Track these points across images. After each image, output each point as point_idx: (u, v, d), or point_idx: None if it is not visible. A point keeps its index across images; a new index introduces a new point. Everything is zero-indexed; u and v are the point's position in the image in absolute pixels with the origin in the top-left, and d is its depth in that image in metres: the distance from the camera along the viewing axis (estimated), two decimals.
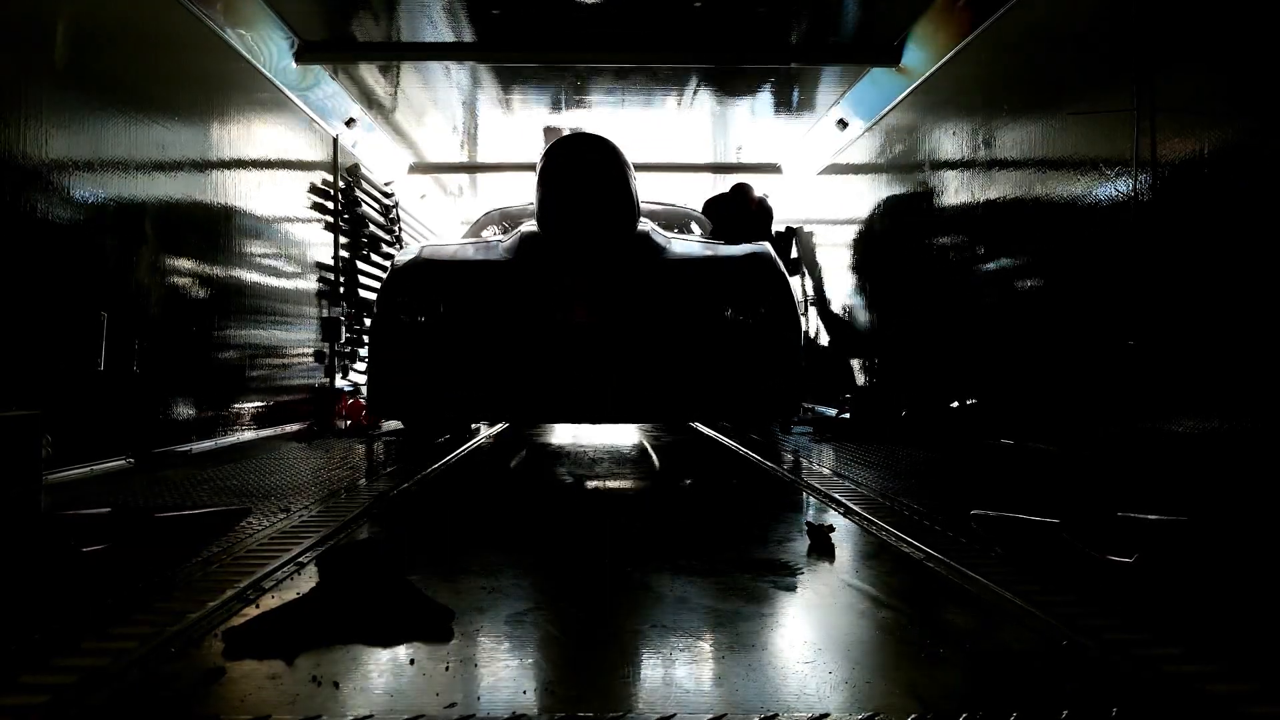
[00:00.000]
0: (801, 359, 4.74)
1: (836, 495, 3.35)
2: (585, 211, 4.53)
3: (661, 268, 4.75)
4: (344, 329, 7.34)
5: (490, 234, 6.40)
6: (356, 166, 7.85)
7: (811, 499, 3.42)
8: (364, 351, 7.22)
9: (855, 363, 7.53)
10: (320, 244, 7.10)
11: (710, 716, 1.33)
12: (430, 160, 9.68)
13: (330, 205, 7.31)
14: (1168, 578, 2.03)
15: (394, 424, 6.44)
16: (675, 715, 1.34)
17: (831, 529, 2.57)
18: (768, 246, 5.09)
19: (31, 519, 2.77)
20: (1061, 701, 1.38)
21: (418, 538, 2.74)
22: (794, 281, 6.73)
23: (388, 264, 6.03)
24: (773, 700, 1.41)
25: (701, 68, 6.84)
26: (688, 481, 3.69)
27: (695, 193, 9.30)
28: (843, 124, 7.59)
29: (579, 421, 4.85)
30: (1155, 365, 3.43)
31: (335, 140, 7.33)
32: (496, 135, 8.78)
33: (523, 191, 10.15)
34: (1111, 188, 3.71)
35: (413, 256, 4.98)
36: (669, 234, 5.42)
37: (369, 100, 7.54)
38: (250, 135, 5.65)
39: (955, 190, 5.40)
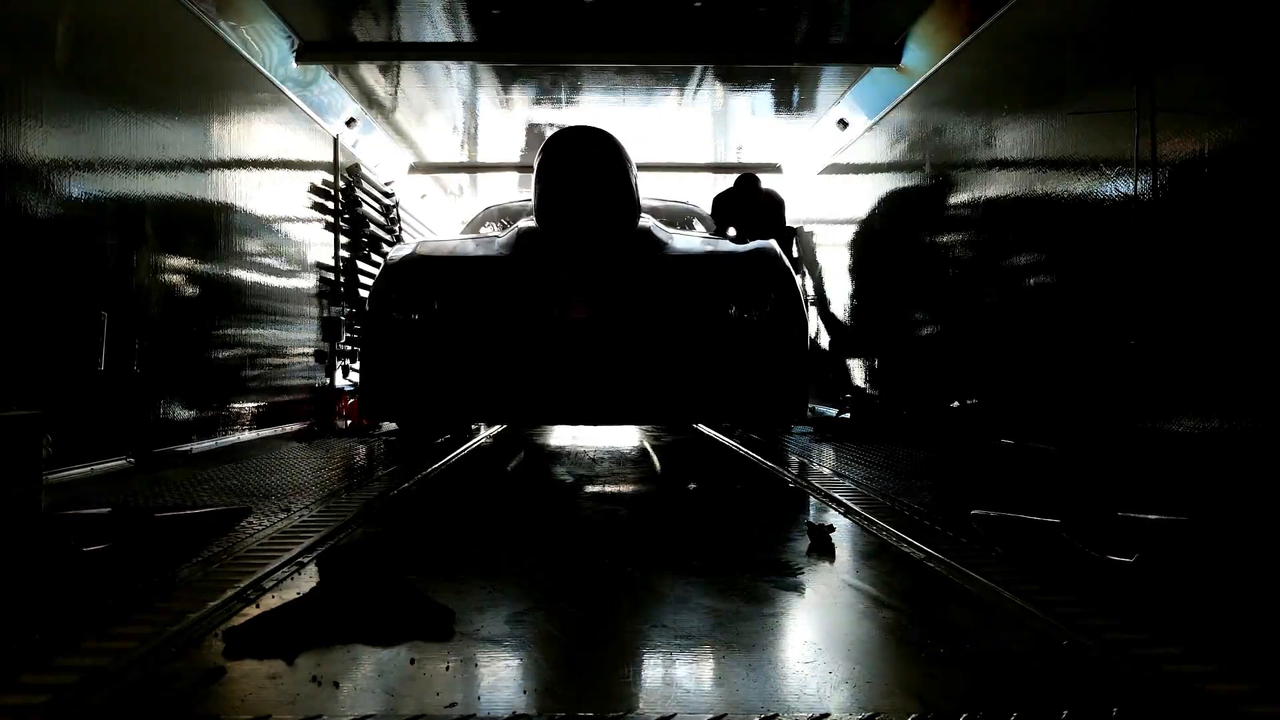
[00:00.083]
0: (807, 359, 4.64)
1: (837, 495, 3.35)
2: (584, 206, 4.41)
3: (663, 264, 4.63)
4: (344, 329, 7.34)
5: (488, 231, 6.22)
6: (357, 166, 7.85)
7: (812, 499, 3.42)
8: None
9: (855, 363, 7.53)
10: (320, 244, 7.10)
11: (710, 716, 1.33)
12: (430, 160, 9.68)
13: (330, 205, 7.31)
14: (1168, 578, 2.03)
15: (394, 424, 6.42)
16: (675, 715, 1.34)
17: (832, 529, 2.57)
18: (773, 243, 4.97)
19: (31, 519, 2.77)
20: (1062, 701, 1.38)
21: (418, 538, 2.74)
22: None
23: None
24: (773, 700, 1.41)
25: (702, 67, 6.84)
26: (692, 486, 3.64)
27: (695, 192, 9.30)
28: (843, 124, 7.59)
29: (577, 423, 4.78)
30: (1156, 365, 3.43)
31: (335, 140, 7.33)
32: (497, 135, 8.78)
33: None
34: (1112, 187, 3.71)
35: (406, 253, 4.87)
36: (670, 230, 5.29)
37: (369, 100, 7.54)
38: (250, 135, 5.65)
39: (956, 190, 5.40)
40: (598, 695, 1.42)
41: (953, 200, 5.45)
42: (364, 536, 2.67)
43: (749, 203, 7.21)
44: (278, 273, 6.16)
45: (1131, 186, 3.56)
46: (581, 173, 4.25)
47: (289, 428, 6.13)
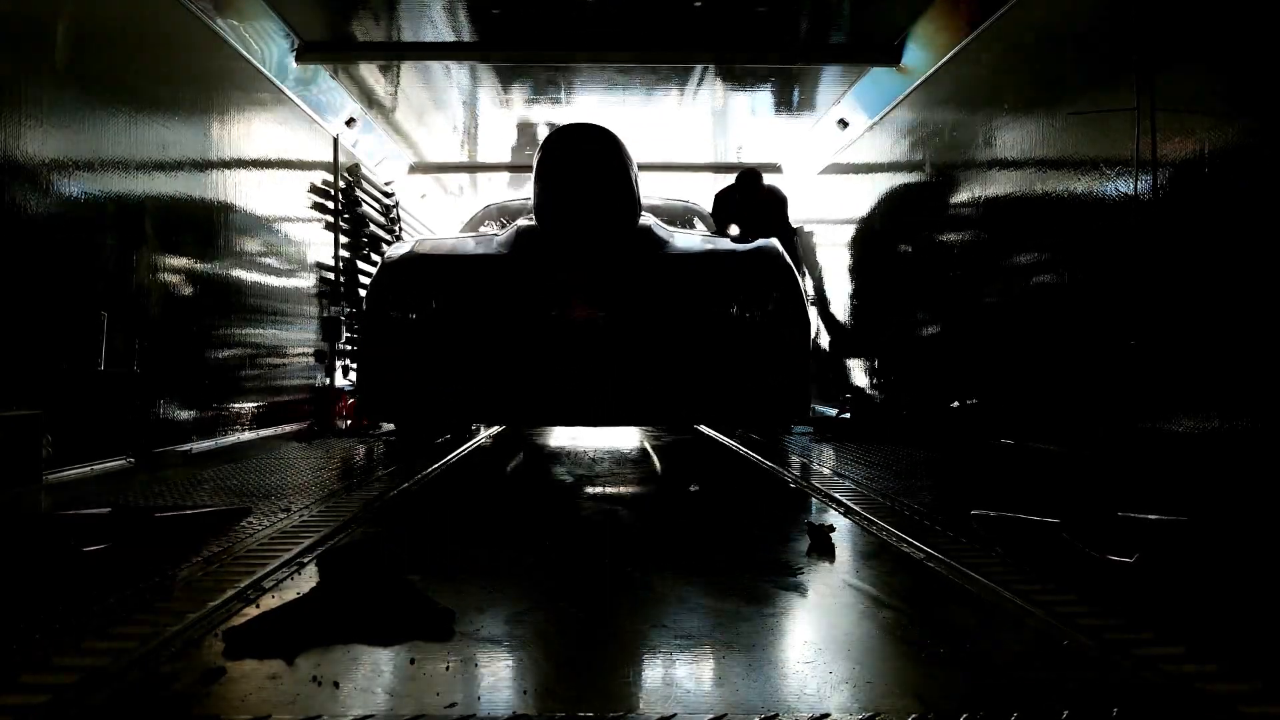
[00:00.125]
0: (810, 360, 4.58)
1: (837, 495, 3.34)
2: (584, 204, 4.34)
3: (663, 263, 4.56)
4: (344, 329, 7.34)
5: (488, 229, 6.12)
6: (357, 166, 7.85)
7: (812, 499, 3.42)
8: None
9: (855, 363, 7.53)
10: (320, 243, 7.10)
11: (710, 716, 1.33)
12: (430, 160, 9.68)
13: (330, 205, 7.31)
14: (1168, 578, 2.03)
15: (392, 424, 6.39)
16: (676, 715, 1.34)
17: (832, 529, 2.57)
18: (775, 242, 4.89)
19: (31, 519, 2.77)
20: (1062, 701, 1.37)
21: (418, 538, 2.74)
22: None
23: None
24: (773, 700, 1.41)
25: (702, 67, 6.84)
26: (694, 488, 3.61)
27: (696, 193, 9.30)
28: (843, 123, 7.59)
29: (576, 424, 4.74)
30: (1156, 365, 3.42)
31: (335, 140, 7.34)
32: (497, 135, 8.78)
33: (511, 189, 10.16)
34: (1112, 187, 3.71)
35: (404, 251, 4.81)
36: (671, 229, 5.22)
37: (369, 100, 7.54)
38: (250, 135, 5.65)
39: (956, 190, 5.40)
40: (598, 695, 1.42)
41: (953, 200, 5.45)
42: (364, 536, 2.67)
43: (751, 199, 7.00)
44: (277, 272, 6.16)
45: (1132, 186, 3.55)
46: (581, 170, 4.19)
47: (289, 428, 6.13)
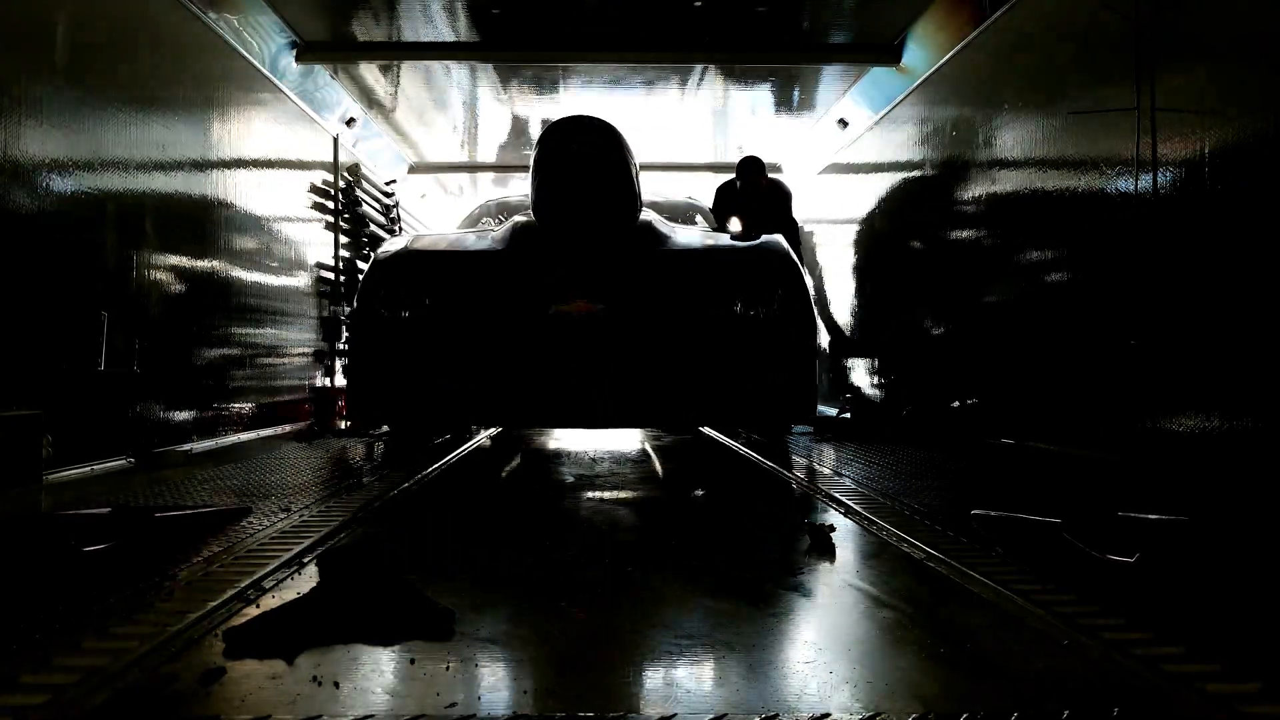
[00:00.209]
0: (816, 360, 4.48)
1: (837, 495, 3.34)
2: (582, 198, 4.21)
3: (665, 260, 4.44)
4: (344, 328, 7.33)
5: (486, 226, 6.04)
6: (357, 166, 7.85)
7: (812, 498, 3.42)
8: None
9: (855, 362, 7.53)
10: (320, 243, 7.10)
11: (711, 716, 1.33)
12: (430, 160, 9.68)
13: (330, 205, 7.31)
14: (1168, 578, 2.03)
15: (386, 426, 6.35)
16: (676, 715, 1.34)
17: (832, 528, 2.57)
18: (780, 238, 4.79)
19: (31, 519, 2.77)
20: (1062, 701, 1.37)
21: (418, 538, 2.74)
22: None
23: None
24: (773, 700, 1.41)
25: (701, 67, 6.83)
26: (698, 492, 3.56)
27: (696, 192, 9.30)
28: (843, 123, 7.59)
29: (573, 425, 4.67)
30: (1156, 365, 3.42)
31: (335, 140, 7.33)
32: (497, 134, 8.78)
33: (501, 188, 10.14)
34: (1113, 187, 3.71)
35: (397, 248, 4.70)
36: (673, 225, 5.09)
37: (369, 100, 7.54)
38: (250, 134, 5.64)
39: (956, 190, 5.40)
40: (598, 695, 1.42)
41: (953, 200, 5.45)
42: (364, 536, 2.67)
43: (753, 191, 6.72)
44: (277, 272, 6.16)
45: (1132, 185, 3.55)
46: (580, 164, 4.08)
47: (289, 427, 6.13)
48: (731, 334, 4.28)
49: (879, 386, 6.93)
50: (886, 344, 6.77)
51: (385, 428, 6.30)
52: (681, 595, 2.03)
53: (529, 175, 4.26)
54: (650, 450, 5.27)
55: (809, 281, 4.56)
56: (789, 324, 4.32)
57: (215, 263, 5.17)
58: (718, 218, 6.66)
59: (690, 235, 4.95)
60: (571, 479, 4.04)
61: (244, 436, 5.43)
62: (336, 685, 1.45)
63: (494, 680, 1.51)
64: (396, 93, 7.46)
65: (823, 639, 1.76)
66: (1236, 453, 3.00)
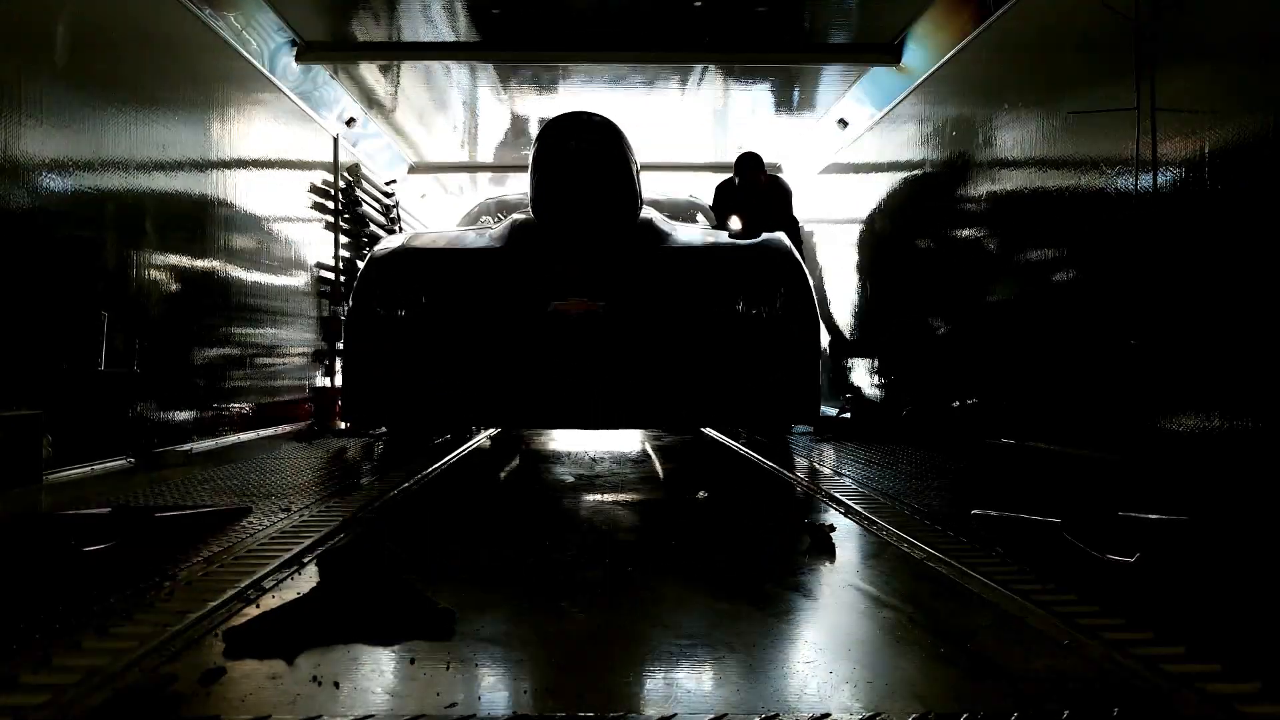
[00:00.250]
0: (820, 360, 4.40)
1: (837, 494, 3.34)
2: (582, 194, 4.12)
3: (666, 258, 4.36)
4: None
5: (485, 224, 5.96)
6: (357, 166, 7.85)
7: (812, 498, 3.42)
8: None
9: (855, 362, 7.53)
10: (321, 243, 7.10)
11: (711, 716, 1.33)
12: (430, 160, 9.68)
13: (330, 205, 7.31)
14: (1168, 578, 2.03)
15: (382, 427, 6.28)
16: (676, 715, 1.34)
17: (832, 528, 2.57)
18: (782, 236, 4.73)
19: (31, 519, 2.77)
20: (1062, 701, 1.37)
21: (418, 537, 2.74)
22: None
23: None
24: (773, 700, 1.41)
25: (702, 67, 6.83)
26: (701, 495, 3.52)
27: (696, 192, 9.30)
28: (843, 123, 7.59)
29: (571, 426, 4.59)
30: (1157, 364, 3.42)
31: (335, 140, 7.34)
32: (497, 134, 8.78)
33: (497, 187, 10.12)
34: (1113, 187, 3.71)
35: (393, 246, 4.61)
36: (674, 222, 4.99)
37: (369, 100, 7.54)
38: (251, 135, 5.65)
39: (956, 190, 5.40)
40: (598, 695, 1.42)
41: (953, 200, 5.45)
42: (364, 536, 2.67)
43: (752, 187, 6.57)
44: (277, 272, 6.16)
45: (1132, 185, 3.55)
46: (580, 160, 4.01)
47: (289, 427, 6.13)
48: (733, 333, 4.22)
49: (879, 386, 6.93)
50: (886, 344, 6.77)
51: (384, 428, 6.29)
52: (681, 595, 2.03)
53: (528, 172, 4.19)
54: (650, 450, 5.27)
55: (811, 280, 4.51)
56: (791, 323, 4.26)
57: (215, 262, 5.17)
58: (718, 216, 6.58)
59: (691, 233, 4.89)
60: (571, 479, 4.04)
61: (244, 436, 5.43)
62: (336, 685, 1.45)
63: (494, 680, 1.51)
64: (396, 93, 7.46)
65: (823, 639, 1.76)
66: (1236, 453, 3.00)
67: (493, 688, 1.48)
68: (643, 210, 4.58)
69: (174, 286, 4.69)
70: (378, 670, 1.54)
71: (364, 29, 6.05)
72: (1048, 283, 4.32)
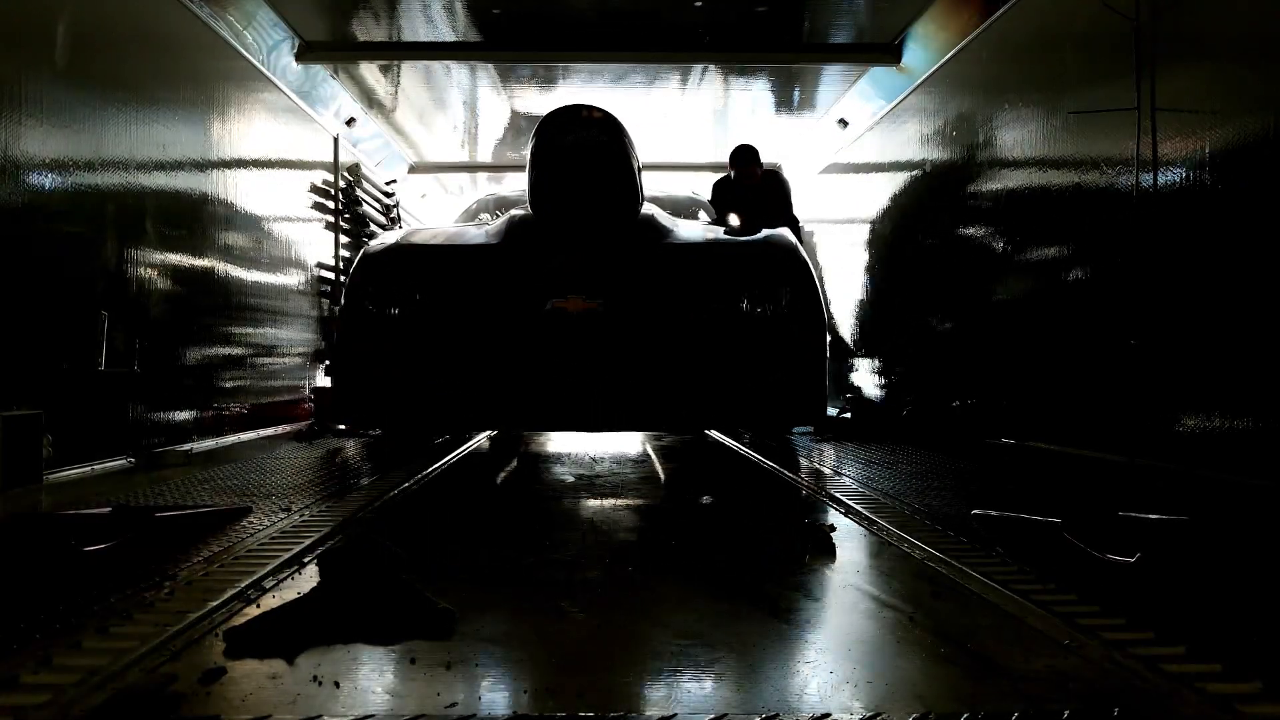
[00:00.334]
0: (825, 359, 4.27)
1: (837, 494, 3.34)
2: (581, 189, 4.02)
3: (667, 254, 4.25)
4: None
5: (483, 222, 5.82)
6: (357, 166, 7.85)
7: (812, 498, 3.42)
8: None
9: (855, 362, 7.53)
10: (320, 243, 7.10)
11: (711, 716, 1.33)
12: (431, 160, 9.68)
13: (330, 204, 7.31)
14: (1168, 578, 2.03)
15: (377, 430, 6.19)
16: (676, 715, 1.34)
17: (832, 528, 2.57)
18: (787, 232, 4.61)
19: (31, 519, 2.77)
20: (1062, 701, 1.37)
21: (418, 537, 2.74)
22: None
23: None
24: (773, 700, 1.41)
25: (702, 67, 6.83)
26: (705, 499, 3.48)
27: (696, 190, 9.30)
28: (843, 123, 7.59)
29: (570, 429, 4.45)
30: (1157, 364, 3.42)
31: (336, 139, 7.34)
32: (497, 134, 8.78)
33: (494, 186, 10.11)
34: (1113, 187, 3.71)
35: (386, 243, 4.50)
36: (675, 219, 4.86)
37: (370, 100, 7.54)
38: (251, 135, 5.64)
39: (956, 190, 5.40)
40: (598, 695, 1.42)
41: (954, 200, 5.45)
42: (364, 536, 2.67)
43: (749, 181, 6.33)
44: (278, 272, 6.16)
45: (1132, 185, 3.55)
46: (579, 154, 3.88)
47: (289, 427, 6.13)
48: (737, 332, 4.09)
49: (879, 386, 6.93)
50: (887, 343, 6.77)
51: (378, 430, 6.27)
52: (681, 595, 2.03)
53: (526, 164, 4.08)
54: (651, 451, 5.27)
55: (817, 277, 4.43)
56: (797, 321, 4.12)
57: (215, 262, 5.17)
58: (716, 213, 6.52)
59: (694, 229, 4.78)
60: (571, 479, 4.04)
61: (244, 436, 5.43)
62: (337, 685, 1.45)
63: (494, 680, 1.51)
64: (397, 92, 7.46)
65: (823, 639, 1.76)
66: (1236, 452, 3.00)
67: (493, 688, 1.48)
68: (644, 206, 4.47)
69: (174, 286, 4.69)
70: (378, 670, 1.54)
71: (364, 28, 6.05)
72: (1048, 283, 4.32)
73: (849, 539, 2.64)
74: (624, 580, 2.16)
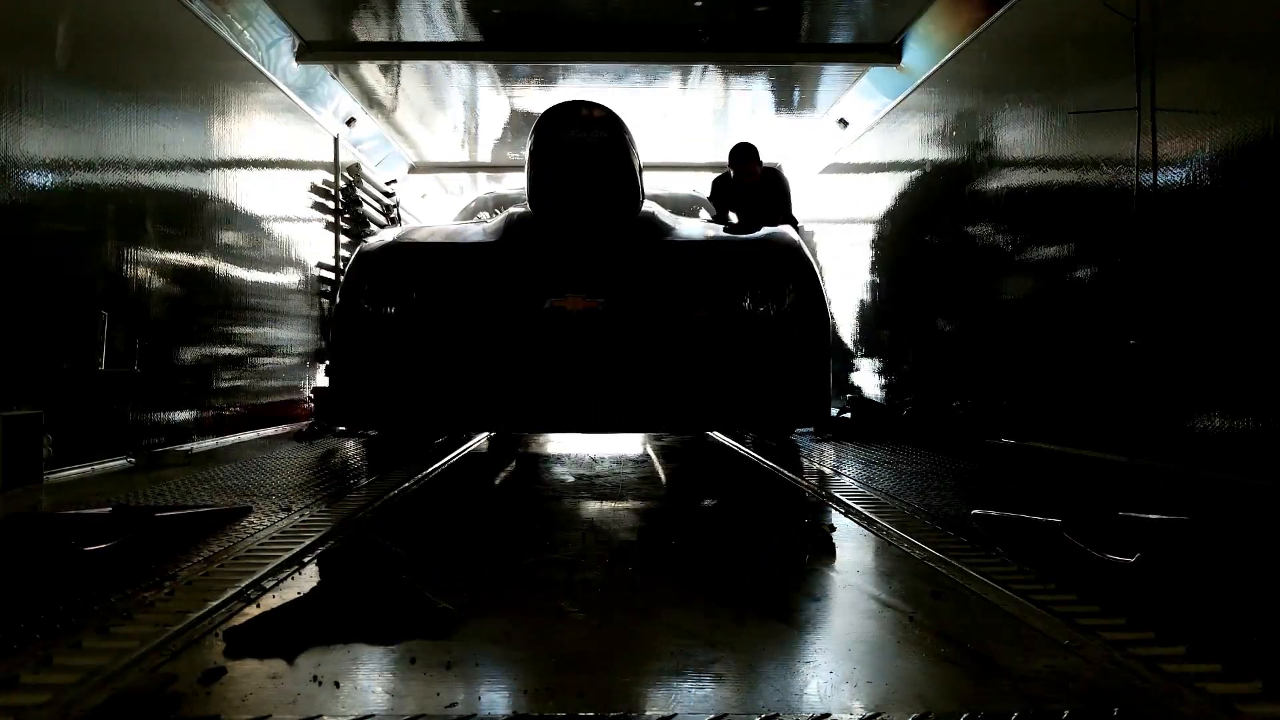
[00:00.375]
0: (829, 359, 4.23)
1: (837, 494, 3.34)
2: (582, 187, 3.97)
3: (668, 252, 4.18)
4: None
5: (482, 220, 5.72)
6: (357, 166, 7.85)
7: (812, 498, 3.42)
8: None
9: (856, 362, 7.53)
10: (320, 243, 7.10)
11: (711, 716, 1.33)
12: (431, 160, 9.68)
13: (331, 204, 7.31)
14: (1168, 578, 2.03)
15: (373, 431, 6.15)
16: (676, 715, 1.34)
17: (832, 528, 2.57)
18: (790, 230, 4.57)
19: (31, 519, 2.77)
20: (1062, 701, 1.37)
21: (418, 537, 2.74)
22: None
23: None
24: (774, 700, 1.41)
25: (702, 67, 6.83)
26: (708, 502, 3.47)
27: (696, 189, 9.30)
28: (844, 123, 7.59)
29: (569, 430, 4.42)
30: (1157, 364, 3.42)
31: (336, 139, 7.34)
32: (497, 133, 8.78)
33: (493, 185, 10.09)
34: (1113, 186, 3.71)
35: (383, 241, 4.44)
36: (676, 217, 4.81)
37: (370, 100, 7.53)
38: (251, 135, 5.64)
39: (957, 190, 5.39)
40: (598, 695, 1.42)
41: (954, 200, 5.45)
42: (364, 536, 2.67)
43: (748, 179, 6.24)
44: (278, 272, 6.16)
45: (1133, 185, 3.55)
46: (579, 151, 3.81)
47: (288, 427, 6.13)
48: (740, 331, 4.03)
49: (880, 386, 6.93)
50: (887, 343, 6.77)
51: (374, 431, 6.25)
52: (681, 595, 2.03)
53: (525, 161, 4.01)
54: (651, 451, 5.26)
55: (821, 275, 4.41)
56: (800, 320, 4.07)
57: (215, 262, 5.17)
58: (716, 211, 6.51)
59: (695, 227, 4.73)
60: (571, 479, 4.04)
61: (244, 436, 5.43)
62: (337, 685, 1.45)
63: (494, 680, 1.51)
64: (397, 92, 7.45)
65: (823, 639, 1.76)
66: (1236, 452, 3.00)
67: (493, 688, 1.48)
68: (644, 204, 4.41)
69: (174, 286, 4.69)
70: (378, 670, 1.54)
71: (364, 28, 6.05)
72: (1048, 282, 4.32)
73: (849, 539, 2.64)
74: (624, 580, 2.16)
